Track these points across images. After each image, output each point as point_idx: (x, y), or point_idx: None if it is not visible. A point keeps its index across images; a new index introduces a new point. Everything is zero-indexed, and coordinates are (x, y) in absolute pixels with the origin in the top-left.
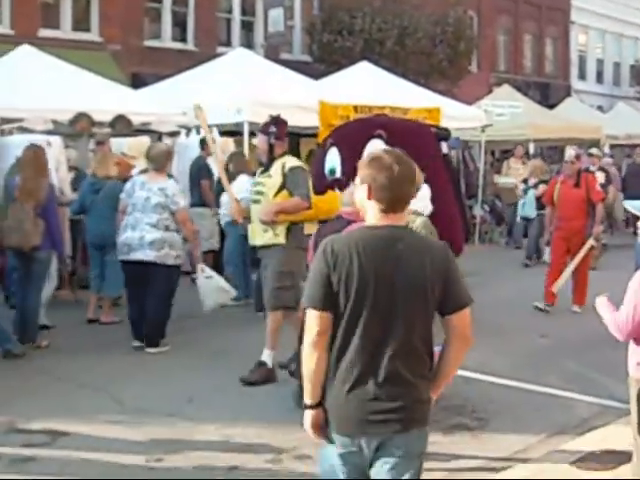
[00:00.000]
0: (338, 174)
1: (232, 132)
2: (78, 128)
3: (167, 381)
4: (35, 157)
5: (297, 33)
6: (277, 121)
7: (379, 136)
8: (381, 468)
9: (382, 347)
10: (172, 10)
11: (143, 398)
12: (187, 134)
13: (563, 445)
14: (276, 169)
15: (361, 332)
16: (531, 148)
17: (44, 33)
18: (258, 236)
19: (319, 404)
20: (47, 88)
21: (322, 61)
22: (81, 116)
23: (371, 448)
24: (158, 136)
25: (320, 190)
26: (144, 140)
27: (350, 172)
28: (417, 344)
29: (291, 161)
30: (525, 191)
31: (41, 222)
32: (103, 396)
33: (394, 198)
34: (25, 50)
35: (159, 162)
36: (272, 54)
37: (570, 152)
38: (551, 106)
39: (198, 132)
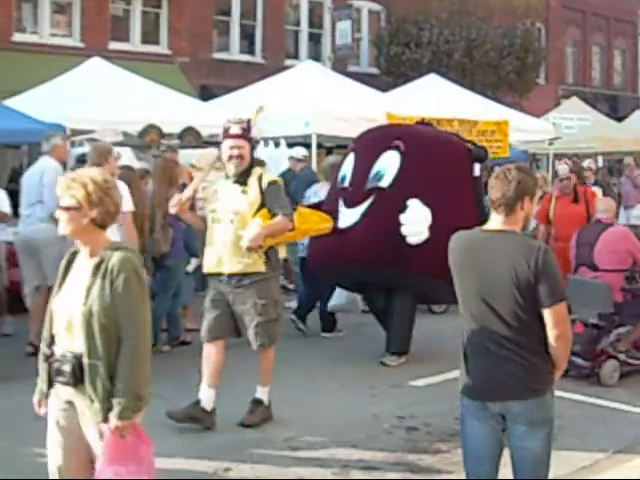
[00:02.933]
0: (346, 183)
1: (299, 144)
2: (147, 140)
3: (236, 390)
4: (165, 168)
5: (364, 45)
6: (250, 126)
7: (396, 147)
8: (510, 434)
9: (488, 328)
10: (240, 23)
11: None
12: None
13: (631, 462)
14: (252, 184)
15: (471, 316)
16: (600, 161)
17: (114, 46)
18: (230, 262)
19: None
20: (117, 100)
21: (389, 73)
22: (150, 128)
23: (496, 413)
24: None
25: (328, 199)
26: (213, 152)
27: (359, 183)
28: (517, 327)
29: (267, 175)
30: None
31: (170, 230)
32: (172, 405)
33: (497, 201)
34: (95, 62)
35: None
36: (340, 66)
37: (562, 167)
38: (620, 118)
39: (266, 144)
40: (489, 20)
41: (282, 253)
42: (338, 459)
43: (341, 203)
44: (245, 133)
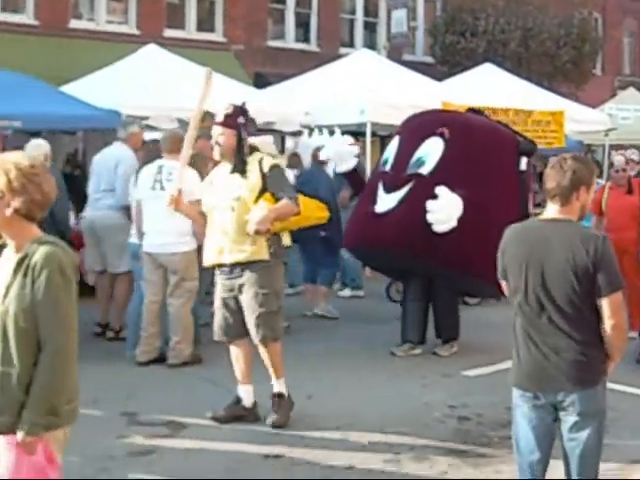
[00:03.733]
0: (388, 167)
1: (354, 132)
2: (202, 126)
3: (287, 377)
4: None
5: (420, 34)
6: (244, 111)
7: (440, 134)
8: (562, 424)
9: (541, 318)
10: (295, 11)
11: (262, 394)
12: (310, 134)
13: None
14: (252, 169)
15: (523, 306)
16: None
17: (169, 33)
18: (232, 251)
19: None
20: (172, 87)
21: (445, 62)
22: (205, 115)
23: (549, 403)
24: (281, 136)
25: (369, 182)
26: (268, 139)
27: (400, 168)
28: (573, 316)
29: (268, 159)
30: None
31: None
32: (223, 390)
33: (553, 190)
34: (151, 49)
35: None
36: (395, 55)
37: (619, 158)
38: None
39: (321, 132)
40: (546, 9)
41: (287, 240)
42: (390, 447)
43: (380, 187)
44: (227, 120)
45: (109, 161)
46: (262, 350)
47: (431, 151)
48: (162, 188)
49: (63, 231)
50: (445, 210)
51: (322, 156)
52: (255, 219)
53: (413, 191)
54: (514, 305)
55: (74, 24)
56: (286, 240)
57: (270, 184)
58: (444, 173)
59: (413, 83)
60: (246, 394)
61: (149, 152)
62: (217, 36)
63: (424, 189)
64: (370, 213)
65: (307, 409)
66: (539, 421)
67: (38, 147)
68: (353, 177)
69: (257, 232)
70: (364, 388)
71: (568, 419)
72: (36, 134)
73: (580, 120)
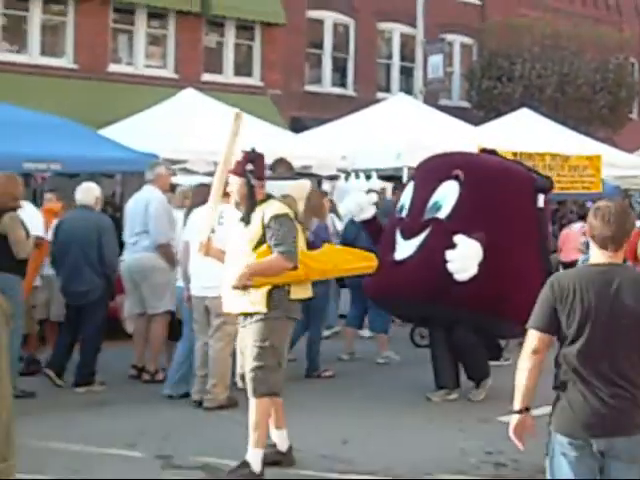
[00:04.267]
0: (404, 213)
1: (390, 177)
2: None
3: (321, 422)
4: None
5: (456, 79)
6: (254, 157)
7: (456, 177)
8: (609, 472)
9: (602, 364)
10: (332, 56)
11: (297, 438)
12: (346, 178)
13: None
14: (256, 217)
15: (583, 352)
16: None
17: (207, 77)
18: (232, 302)
19: (521, 411)
20: (210, 130)
21: (481, 107)
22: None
23: (598, 451)
24: (318, 180)
25: (386, 230)
26: (305, 183)
27: (417, 214)
28: (635, 361)
29: (274, 207)
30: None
31: None
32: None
33: (607, 239)
34: (189, 94)
35: None
36: (431, 100)
37: None
38: None
39: (357, 176)
40: (582, 54)
41: (304, 293)
42: None
43: (398, 234)
44: (236, 167)
45: (140, 204)
46: (250, 404)
47: (447, 195)
48: (212, 231)
49: (109, 275)
50: (465, 259)
51: (341, 211)
52: (235, 275)
53: (431, 237)
54: (564, 350)
55: (113, 68)
56: (302, 293)
57: (268, 236)
58: (461, 216)
59: (449, 127)
60: (280, 439)
61: (197, 195)
62: (254, 80)
63: (442, 234)
64: (389, 261)
65: (343, 453)
66: (586, 469)
67: (88, 190)
68: (372, 226)
69: (235, 288)
70: (400, 433)
71: (616, 465)
72: (75, 176)
73: (617, 165)
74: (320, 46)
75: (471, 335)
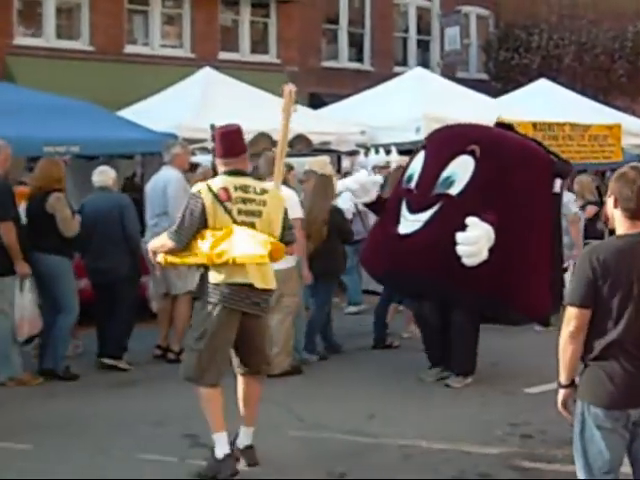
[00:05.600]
0: (412, 184)
1: (409, 151)
2: (259, 148)
3: (347, 398)
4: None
5: (473, 51)
6: (214, 134)
7: (471, 152)
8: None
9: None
10: (349, 31)
11: (323, 414)
12: (365, 153)
13: None
14: None
15: (624, 325)
16: None
17: (223, 56)
18: None
19: (570, 385)
20: (228, 109)
21: (499, 79)
22: (261, 136)
23: (633, 422)
24: (337, 155)
25: (391, 198)
26: (324, 159)
27: (426, 187)
28: None
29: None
30: None
31: None
32: (284, 411)
33: (637, 208)
34: (206, 72)
35: None
36: (448, 73)
37: None
38: None
39: (377, 151)
40: (599, 23)
41: (229, 277)
42: (453, 466)
43: (404, 205)
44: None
45: (158, 185)
46: None
47: (461, 170)
48: None
49: (134, 251)
50: (476, 243)
51: (340, 187)
52: None
53: (440, 213)
54: (597, 323)
55: (129, 49)
56: (227, 277)
57: None
58: (474, 195)
59: (468, 100)
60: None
61: None
62: (271, 58)
63: (453, 212)
64: (393, 235)
65: (369, 428)
66: (619, 439)
67: (104, 172)
68: (376, 205)
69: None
70: (426, 408)
71: None
72: (94, 158)
73: (637, 133)
74: (336, 21)
75: (471, 323)
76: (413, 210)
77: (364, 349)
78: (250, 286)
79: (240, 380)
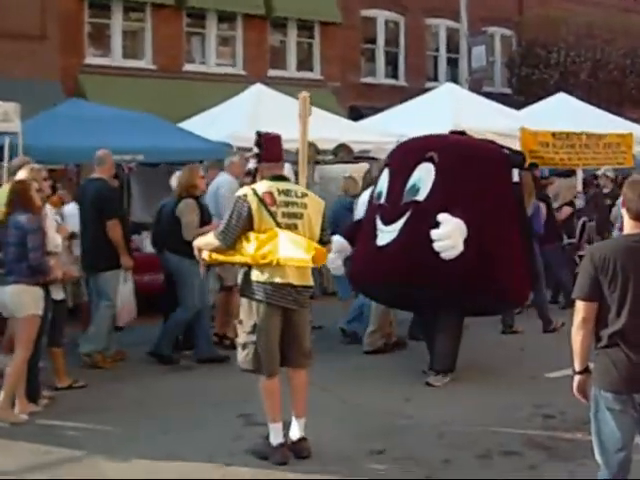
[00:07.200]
0: (382, 200)
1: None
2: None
3: (386, 382)
4: (527, 179)
5: (498, 68)
6: (259, 140)
7: (430, 159)
8: None
9: None
10: (385, 50)
11: (364, 397)
12: None
13: None
14: None
15: (625, 317)
16: None
17: (272, 73)
18: None
19: (583, 372)
20: (276, 120)
21: (521, 93)
22: (307, 145)
23: (637, 404)
24: (377, 162)
25: (366, 217)
26: (364, 166)
27: (395, 198)
28: None
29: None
30: None
31: None
32: (328, 395)
33: (638, 210)
34: (257, 89)
35: None
36: (476, 87)
37: None
38: None
39: None
40: (612, 42)
41: (271, 277)
42: (480, 444)
43: (378, 220)
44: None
45: (212, 188)
46: None
47: (424, 177)
48: None
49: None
50: (451, 237)
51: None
52: None
53: (412, 219)
54: (608, 315)
55: (187, 67)
56: (268, 276)
57: None
58: (440, 196)
59: (494, 112)
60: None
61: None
62: (315, 74)
63: (423, 216)
64: (372, 248)
65: (406, 410)
66: (628, 420)
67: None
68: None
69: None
70: (457, 392)
71: None
72: (156, 166)
73: None
74: (374, 41)
75: (454, 318)
76: (386, 222)
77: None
78: (290, 284)
79: (288, 377)
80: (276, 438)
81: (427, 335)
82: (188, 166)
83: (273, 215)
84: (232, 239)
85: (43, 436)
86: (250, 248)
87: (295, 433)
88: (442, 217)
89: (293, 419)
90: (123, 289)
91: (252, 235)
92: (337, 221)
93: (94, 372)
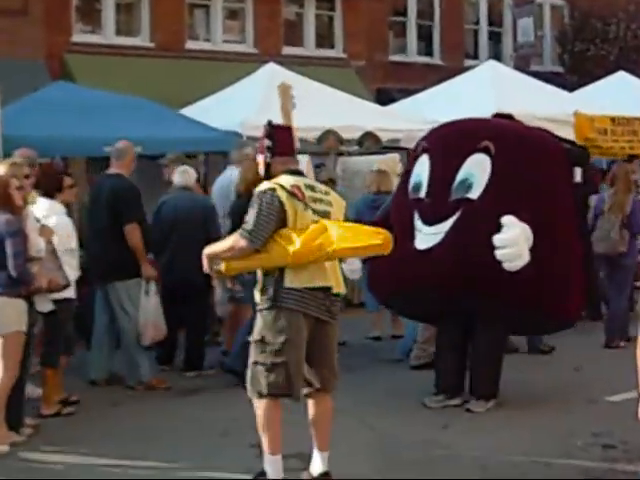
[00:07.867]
0: (422, 193)
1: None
2: (325, 146)
3: (420, 406)
4: (626, 173)
5: (547, 43)
6: (271, 131)
7: (485, 149)
8: None
9: None
10: (417, 23)
11: (395, 423)
12: None
13: None
14: None
15: None
16: None
17: (287, 51)
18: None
19: None
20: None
21: (574, 71)
22: (328, 134)
23: None
24: (407, 153)
25: (397, 210)
26: (394, 157)
27: (440, 194)
28: None
29: (265, 184)
30: None
31: (626, 232)
32: (353, 420)
33: None
34: (270, 69)
35: None
36: (522, 65)
37: None
38: None
39: None
40: None
41: (308, 281)
42: (529, 478)
43: (417, 218)
44: (259, 147)
45: (225, 187)
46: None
47: (477, 171)
48: None
49: None
50: (517, 243)
51: None
52: None
53: (462, 220)
54: None
55: (190, 45)
56: (304, 280)
57: None
58: (498, 196)
59: (543, 94)
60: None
61: None
62: (337, 52)
63: (477, 217)
64: (409, 251)
65: (443, 438)
66: None
67: (187, 172)
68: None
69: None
70: (502, 416)
71: None
72: (156, 158)
73: None
74: (404, 14)
75: (498, 341)
76: (429, 222)
77: None
78: (325, 291)
79: (310, 402)
80: (277, 473)
81: (445, 354)
82: (247, 160)
83: (310, 209)
84: (264, 237)
85: (26, 472)
86: (295, 243)
87: (318, 467)
88: (507, 220)
89: (315, 452)
90: (146, 303)
91: (289, 231)
92: (360, 221)
93: (86, 395)
